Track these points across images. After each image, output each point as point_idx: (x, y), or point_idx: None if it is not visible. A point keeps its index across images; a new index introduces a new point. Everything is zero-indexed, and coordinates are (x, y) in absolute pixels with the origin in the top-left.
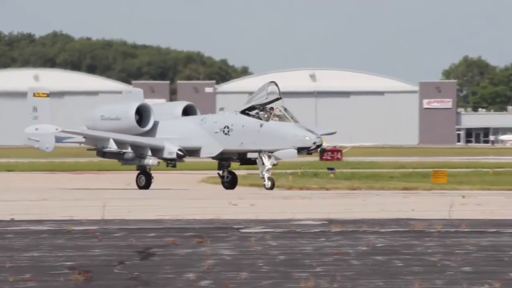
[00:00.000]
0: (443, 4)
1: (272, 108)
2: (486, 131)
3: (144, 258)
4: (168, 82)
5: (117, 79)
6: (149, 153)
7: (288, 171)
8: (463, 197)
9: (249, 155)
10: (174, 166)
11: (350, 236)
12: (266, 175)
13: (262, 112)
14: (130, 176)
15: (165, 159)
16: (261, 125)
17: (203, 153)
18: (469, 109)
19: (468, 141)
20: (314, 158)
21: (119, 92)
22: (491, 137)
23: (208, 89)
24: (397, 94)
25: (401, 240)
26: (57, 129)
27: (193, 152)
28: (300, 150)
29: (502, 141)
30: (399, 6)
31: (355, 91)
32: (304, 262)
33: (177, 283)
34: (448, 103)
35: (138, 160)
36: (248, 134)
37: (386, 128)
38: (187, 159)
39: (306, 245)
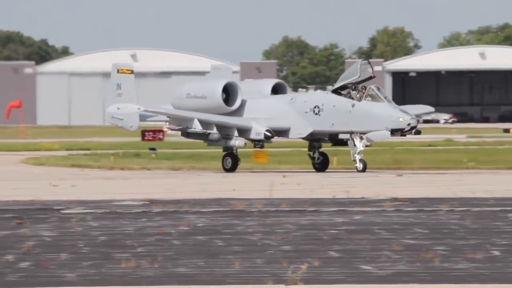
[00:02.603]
0: None
1: (364, 88)
2: None
3: None
4: None
5: None
6: (236, 133)
7: (110, 151)
8: (284, 176)
9: (341, 136)
10: (261, 147)
11: (171, 216)
12: (358, 157)
13: (354, 92)
14: None
15: (253, 140)
16: (353, 105)
17: (292, 134)
18: (289, 89)
19: None
20: (136, 138)
21: None
22: None
23: (28, 70)
24: None
25: (222, 220)
26: (139, 108)
27: (282, 132)
28: (394, 131)
29: None
30: None
31: (176, 71)
32: (125, 242)
33: None
34: None
35: (224, 141)
36: (339, 115)
37: None
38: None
39: (127, 225)
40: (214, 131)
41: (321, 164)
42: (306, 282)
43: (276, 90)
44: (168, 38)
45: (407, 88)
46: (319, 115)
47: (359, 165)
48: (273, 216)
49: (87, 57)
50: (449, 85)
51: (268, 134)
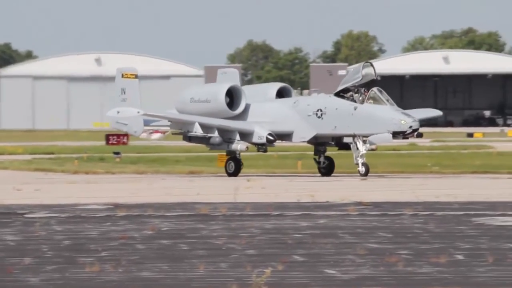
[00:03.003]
0: None
1: (366, 90)
2: None
3: None
4: None
5: None
6: (238, 137)
7: (74, 155)
8: (248, 180)
9: (346, 140)
10: (265, 151)
11: (136, 220)
12: (360, 161)
13: (356, 95)
14: None
15: (255, 144)
16: (355, 108)
17: (295, 138)
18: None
19: None
20: (100, 142)
21: None
22: None
23: None
24: (183, 78)
25: (186, 224)
26: (138, 112)
27: (285, 136)
28: (396, 134)
29: None
30: None
31: (141, 75)
32: (89, 247)
33: None
34: None
35: (226, 145)
36: (342, 118)
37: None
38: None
39: (91, 229)
40: (215, 135)
41: (327, 169)
42: (271, 286)
43: (282, 93)
44: (132, 42)
45: None
46: (322, 118)
47: (362, 169)
48: (238, 220)
49: (51, 60)
50: (413, 89)
51: (270, 138)
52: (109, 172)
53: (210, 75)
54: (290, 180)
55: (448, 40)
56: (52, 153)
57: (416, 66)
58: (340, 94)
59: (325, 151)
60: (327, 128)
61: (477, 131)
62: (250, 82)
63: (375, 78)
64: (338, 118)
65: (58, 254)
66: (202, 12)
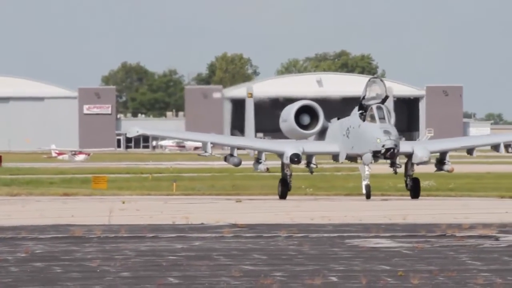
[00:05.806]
0: (100, 9)
1: (368, 108)
2: (146, 137)
3: None
4: None
5: None
6: (263, 157)
7: None
8: (123, 202)
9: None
10: (311, 172)
11: (9, 242)
12: (364, 183)
13: (367, 112)
14: None
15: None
16: (359, 126)
17: (340, 158)
18: (129, 114)
19: (128, 147)
20: None
21: None
22: (153, 143)
23: None
24: (57, 100)
25: (60, 246)
26: (137, 132)
27: (335, 156)
28: (375, 154)
29: (162, 147)
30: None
31: (14, 97)
32: None
33: None
34: (107, 108)
35: (256, 165)
36: (353, 137)
37: (47, 133)
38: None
39: None
40: (234, 154)
41: (412, 190)
42: None
43: None
44: (4, 63)
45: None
46: (348, 137)
47: (364, 191)
48: (112, 243)
49: None
50: None
51: (294, 158)
52: None
53: (85, 96)
54: (165, 201)
55: (322, 63)
56: None
57: (290, 89)
58: (361, 112)
59: (410, 172)
60: (348, 147)
61: None
62: (125, 104)
63: (386, 94)
64: (352, 137)
65: None
66: (75, 33)
